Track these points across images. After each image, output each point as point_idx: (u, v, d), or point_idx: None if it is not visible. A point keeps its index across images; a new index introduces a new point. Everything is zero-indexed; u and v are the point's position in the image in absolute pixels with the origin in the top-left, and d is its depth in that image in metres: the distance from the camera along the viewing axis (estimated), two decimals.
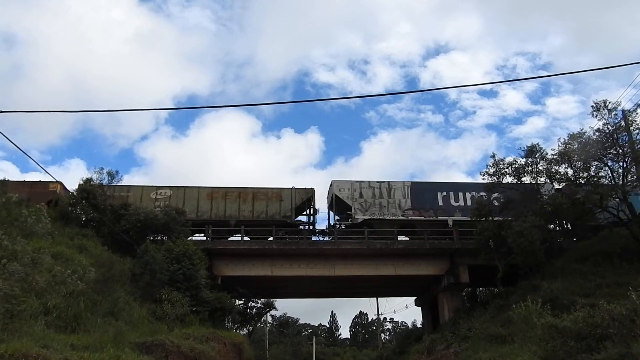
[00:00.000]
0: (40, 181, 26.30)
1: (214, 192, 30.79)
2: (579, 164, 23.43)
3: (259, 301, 35.01)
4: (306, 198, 31.26)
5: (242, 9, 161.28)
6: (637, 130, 22.71)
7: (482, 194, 30.05)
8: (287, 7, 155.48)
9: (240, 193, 30.88)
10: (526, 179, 25.54)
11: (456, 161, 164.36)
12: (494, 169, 26.03)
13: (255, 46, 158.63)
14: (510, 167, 25.65)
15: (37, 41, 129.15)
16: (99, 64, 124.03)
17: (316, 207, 32.05)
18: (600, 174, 23.24)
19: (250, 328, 36.12)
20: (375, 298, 48.40)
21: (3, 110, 10.20)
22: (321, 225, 33.60)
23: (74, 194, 25.11)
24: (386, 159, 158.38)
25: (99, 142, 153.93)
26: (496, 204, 27.21)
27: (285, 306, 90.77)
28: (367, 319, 79.76)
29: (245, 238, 29.60)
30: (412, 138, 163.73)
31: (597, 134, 22.75)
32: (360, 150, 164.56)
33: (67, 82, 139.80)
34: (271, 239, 29.46)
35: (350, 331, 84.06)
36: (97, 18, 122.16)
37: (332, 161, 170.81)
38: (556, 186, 25.96)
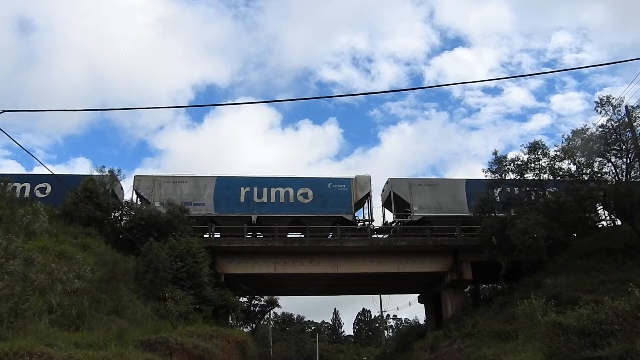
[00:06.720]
0: None
1: None
2: (582, 160, 23.37)
3: (262, 299, 35.04)
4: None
5: (246, 6, 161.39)
6: None
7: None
8: (292, 6, 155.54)
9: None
10: (529, 176, 25.50)
11: (478, 152, 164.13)
12: (497, 166, 26.00)
13: (263, 45, 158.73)
14: (512, 164, 25.61)
15: (53, 27, 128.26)
16: (118, 51, 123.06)
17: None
18: (603, 170, 23.20)
19: (254, 325, 36.15)
20: (378, 295, 48.50)
21: (5, 109, 10.21)
22: None
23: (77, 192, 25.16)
24: (405, 151, 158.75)
25: (118, 134, 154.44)
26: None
27: (288, 304, 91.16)
28: (371, 316, 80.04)
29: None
30: (432, 128, 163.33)
31: (600, 129, 22.71)
32: (379, 141, 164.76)
33: (85, 70, 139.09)
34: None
35: (353, 328, 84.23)
36: (117, 3, 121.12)
37: (350, 153, 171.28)
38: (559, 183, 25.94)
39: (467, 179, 31.90)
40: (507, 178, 26.03)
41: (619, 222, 28.00)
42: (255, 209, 29.62)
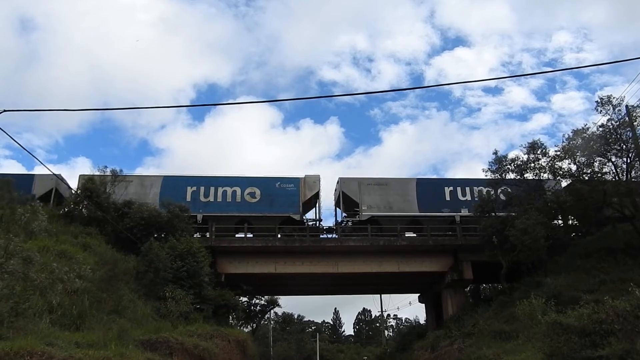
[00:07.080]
0: None
1: None
2: (583, 159, 23.35)
3: (262, 298, 35.05)
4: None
5: (246, 6, 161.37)
6: None
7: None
8: (292, 6, 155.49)
9: None
10: (529, 175, 25.49)
11: (479, 152, 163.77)
12: (497, 166, 25.99)
13: (264, 44, 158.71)
14: (512, 164, 25.59)
15: (55, 26, 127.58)
16: (122, 47, 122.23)
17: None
18: (603, 170, 23.19)
19: (254, 325, 36.16)
20: (378, 295, 48.48)
21: (6, 109, 10.21)
22: None
23: (78, 192, 25.17)
24: (407, 151, 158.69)
25: (119, 133, 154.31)
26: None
27: (288, 303, 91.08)
28: (371, 315, 79.94)
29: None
30: (434, 128, 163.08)
31: (600, 129, 22.69)
32: (380, 140, 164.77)
33: (86, 69, 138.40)
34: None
35: (354, 328, 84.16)
36: (118, 1, 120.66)
37: (352, 152, 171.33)
38: (560, 182, 25.94)
39: (417, 178, 32.35)
40: (507, 178, 26.02)
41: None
42: (201, 208, 29.40)
